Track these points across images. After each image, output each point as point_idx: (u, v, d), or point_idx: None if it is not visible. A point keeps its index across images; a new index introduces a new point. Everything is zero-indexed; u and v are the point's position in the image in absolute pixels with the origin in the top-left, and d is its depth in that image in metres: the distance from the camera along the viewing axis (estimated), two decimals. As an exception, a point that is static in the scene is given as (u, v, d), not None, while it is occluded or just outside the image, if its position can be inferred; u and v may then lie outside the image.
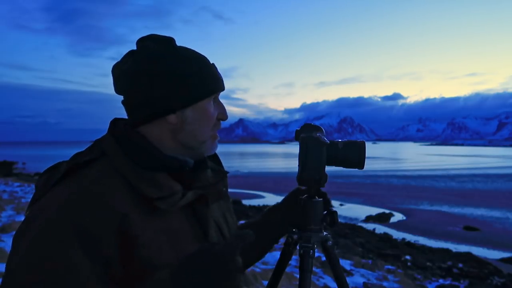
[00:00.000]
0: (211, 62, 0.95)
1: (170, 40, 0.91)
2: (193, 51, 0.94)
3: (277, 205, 1.23)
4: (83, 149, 0.89)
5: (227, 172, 1.05)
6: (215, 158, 1.08)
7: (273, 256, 5.75)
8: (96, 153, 0.85)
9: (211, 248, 0.75)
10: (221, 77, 0.96)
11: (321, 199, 1.11)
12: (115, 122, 0.92)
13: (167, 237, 0.82)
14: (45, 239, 0.71)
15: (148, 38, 0.90)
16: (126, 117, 0.92)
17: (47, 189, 0.79)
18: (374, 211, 21.79)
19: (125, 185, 0.81)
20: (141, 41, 0.90)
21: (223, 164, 1.08)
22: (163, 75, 0.86)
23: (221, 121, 0.97)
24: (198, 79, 0.89)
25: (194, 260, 0.74)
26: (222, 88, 0.95)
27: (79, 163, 0.82)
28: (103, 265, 0.74)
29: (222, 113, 0.95)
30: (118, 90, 0.90)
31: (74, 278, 0.70)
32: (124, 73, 0.87)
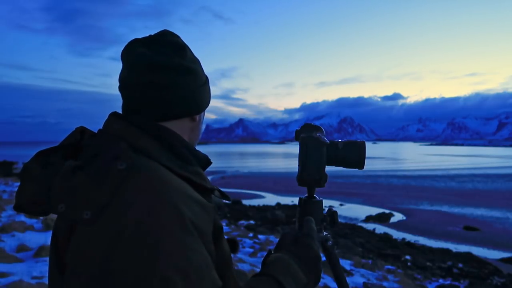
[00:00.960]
0: None
1: (183, 42, 0.94)
2: None
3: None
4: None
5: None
6: None
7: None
8: (130, 152, 0.75)
9: (303, 236, 0.90)
10: None
11: (321, 199, 1.11)
12: (126, 117, 0.84)
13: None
14: (176, 233, 0.66)
15: (175, 35, 0.89)
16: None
17: (111, 192, 0.68)
18: (374, 211, 21.80)
19: (184, 181, 0.79)
20: (172, 36, 0.88)
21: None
22: (201, 76, 0.91)
23: None
24: (209, 82, 0.97)
25: (299, 247, 0.88)
26: None
27: (132, 163, 0.72)
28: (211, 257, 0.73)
29: None
30: (142, 79, 0.82)
31: (209, 268, 0.69)
32: (162, 65, 0.82)
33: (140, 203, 0.67)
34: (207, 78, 0.96)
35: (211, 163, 0.95)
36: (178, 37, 0.89)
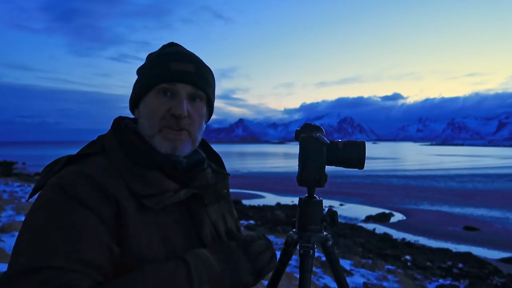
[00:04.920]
0: (204, 61, 0.98)
1: (168, 44, 0.99)
2: (172, 49, 0.96)
3: None
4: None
5: (228, 174, 1.06)
6: (217, 159, 1.09)
7: (273, 256, 5.73)
8: (96, 148, 0.90)
9: (243, 241, 0.91)
10: (177, 69, 0.89)
11: (321, 199, 1.10)
12: (120, 120, 0.97)
13: (158, 232, 0.84)
14: (53, 205, 0.77)
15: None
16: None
17: (48, 177, 0.84)
18: (374, 211, 21.76)
19: (120, 179, 0.84)
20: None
21: (225, 166, 1.10)
22: (138, 73, 0.98)
23: (178, 116, 0.89)
24: (145, 74, 0.93)
25: (229, 248, 0.88)
26: (169, 79, 0.89)
27: (78, 155, 0.88)
28: (108, 228, 0.79)
29: (173, 107, 0.89)
30: None
31: (84, 227, 0.76)
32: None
33: (45, 188, 0.82)
34: (146, 69, 0.94)
35: (178, 166, 0.90)
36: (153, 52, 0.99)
